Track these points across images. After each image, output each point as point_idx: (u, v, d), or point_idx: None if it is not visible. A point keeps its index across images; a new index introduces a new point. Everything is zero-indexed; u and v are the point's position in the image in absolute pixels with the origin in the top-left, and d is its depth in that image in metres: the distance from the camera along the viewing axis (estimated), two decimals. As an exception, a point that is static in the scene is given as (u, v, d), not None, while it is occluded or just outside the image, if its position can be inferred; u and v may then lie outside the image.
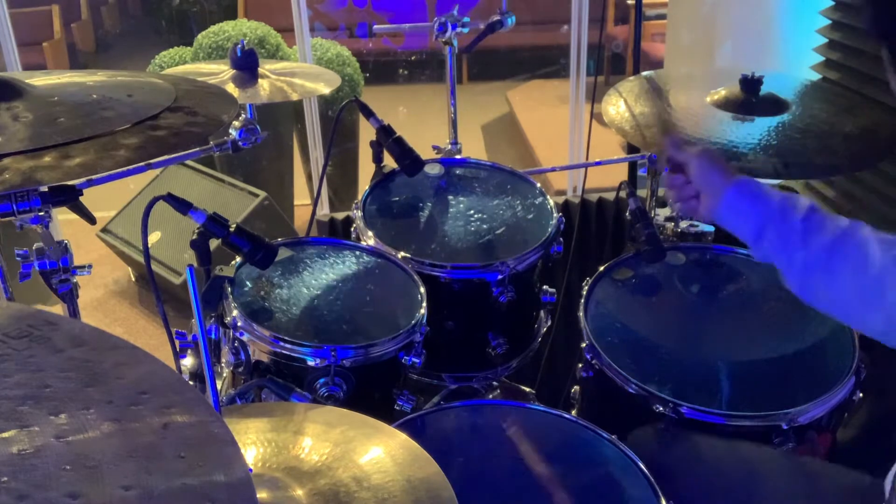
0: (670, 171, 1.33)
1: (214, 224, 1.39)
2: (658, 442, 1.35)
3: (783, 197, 1.17)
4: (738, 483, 1.26)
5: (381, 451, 1.05)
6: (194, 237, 1.43)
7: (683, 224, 1.90)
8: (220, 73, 1.81)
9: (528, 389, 1.97)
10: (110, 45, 8.12)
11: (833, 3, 2.29)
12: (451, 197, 1.86)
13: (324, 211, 3.39)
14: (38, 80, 1.23)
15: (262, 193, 3.33)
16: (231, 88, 1.73)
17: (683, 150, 1.31)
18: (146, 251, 1.41)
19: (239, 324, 1.41)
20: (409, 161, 1.79)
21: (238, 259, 1.50)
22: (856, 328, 1.12)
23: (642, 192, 1.95)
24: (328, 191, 3.90)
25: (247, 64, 1.80)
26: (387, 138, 1.79)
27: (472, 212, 1.81)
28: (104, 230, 3.63)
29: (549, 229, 1.74)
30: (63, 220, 3.49)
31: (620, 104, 1.80)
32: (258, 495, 0.77)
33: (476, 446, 1.30)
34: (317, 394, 1.37)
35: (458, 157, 2.03)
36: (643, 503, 1.18)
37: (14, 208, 1.21)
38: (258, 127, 1.68)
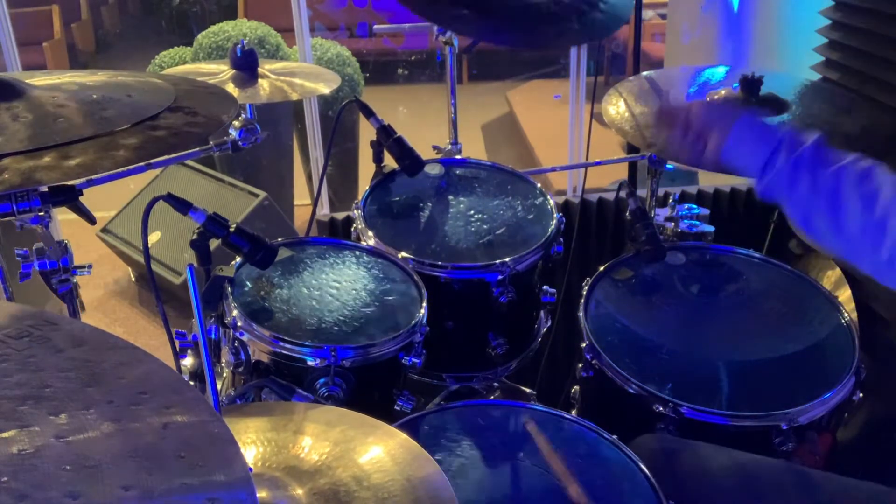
0: (667, 126, 1.32)
1: (214, 224, 1.39)
2: (660, 450, 1.34)
3: (791, 128, 1.17)
4: (739, 492, 1.26)
5: (381, 450, 1.05)
6: (194, 237, 1.43)
7: (683, 224, 1.90)
8: (220, 73, 1.81)
9: (528, 390, 1.97)
10: (110, 45, 8.13)
11: (833, 2, 2.29)
12: (451, 197, 1.86)
13: (324, 211, 3.39)
14: (38, 80, 1.23)
15: (262, 193, 3.34)
16: (231, 88, 1.73)
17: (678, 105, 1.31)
18: (146, 251, 1.41)
19: (239, 324, 1.41)
20: (410, 161, 1.79)
21: (238, 259, 1.50)
22: (863, 269, 1.08)
23: (642, 192, 1.95)
24: (328, 191, 3.90)
25: (247, 64, 1.80)
26: (387, 138, 1.79)
27: (472, 212, 1.81)
28: (104, 230, 3.63)
29: (550, 229, 1.74)
30: (63, 220, 3.49)
31: (620, 104, 1.80)
32: (258, 495, 0.77)
33: (476, 446, 1.30)
34: (317, 394, 1.37)
35: (458, 157, 2.03)
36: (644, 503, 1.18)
37: (14, 208, 1.21)
38: (258, 127, 1.68)
